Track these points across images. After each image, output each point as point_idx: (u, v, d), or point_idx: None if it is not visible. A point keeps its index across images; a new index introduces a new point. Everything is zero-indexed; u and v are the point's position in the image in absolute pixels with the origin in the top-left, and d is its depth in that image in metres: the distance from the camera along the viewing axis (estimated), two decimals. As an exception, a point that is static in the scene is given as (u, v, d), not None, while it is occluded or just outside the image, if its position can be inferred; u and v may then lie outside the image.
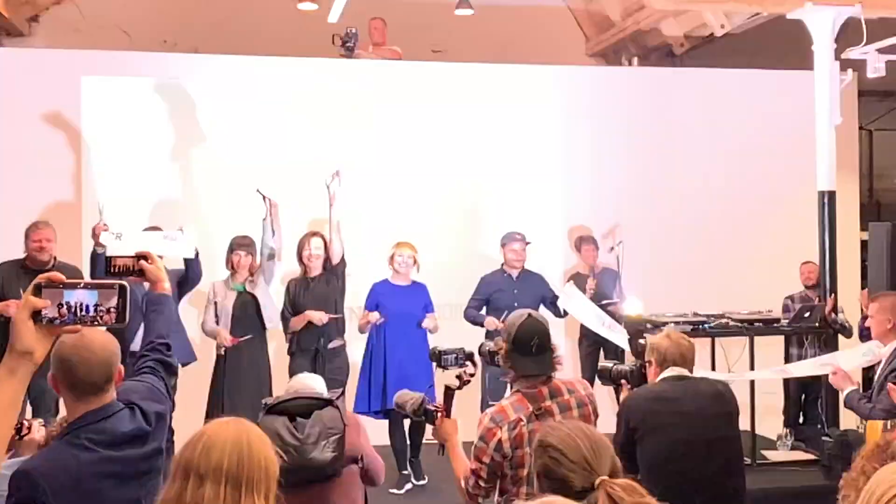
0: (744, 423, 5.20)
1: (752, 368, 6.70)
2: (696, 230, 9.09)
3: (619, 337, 6.57)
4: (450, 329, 7.05)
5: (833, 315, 7.11)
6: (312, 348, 6.55)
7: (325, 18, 8.81)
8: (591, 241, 8.03)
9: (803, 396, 8.08)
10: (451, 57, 9.62)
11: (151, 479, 2.63)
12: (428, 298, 6.89)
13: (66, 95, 8.12)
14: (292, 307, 6.66)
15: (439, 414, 3.60)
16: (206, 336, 6.78)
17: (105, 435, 2.53)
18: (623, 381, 4.43)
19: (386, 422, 6.76)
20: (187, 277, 6.42)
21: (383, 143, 8.63)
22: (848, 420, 6.82)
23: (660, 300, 7.30)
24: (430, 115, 8.75)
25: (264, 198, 6.72)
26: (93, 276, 6.07)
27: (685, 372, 4.18)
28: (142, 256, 3.08)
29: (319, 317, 6.53)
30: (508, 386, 3.67)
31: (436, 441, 3.73)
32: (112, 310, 1.91)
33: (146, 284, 2.96)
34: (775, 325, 7.08)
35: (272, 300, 6.73)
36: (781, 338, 7.66)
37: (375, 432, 6.48)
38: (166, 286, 3.04)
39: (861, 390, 5.49)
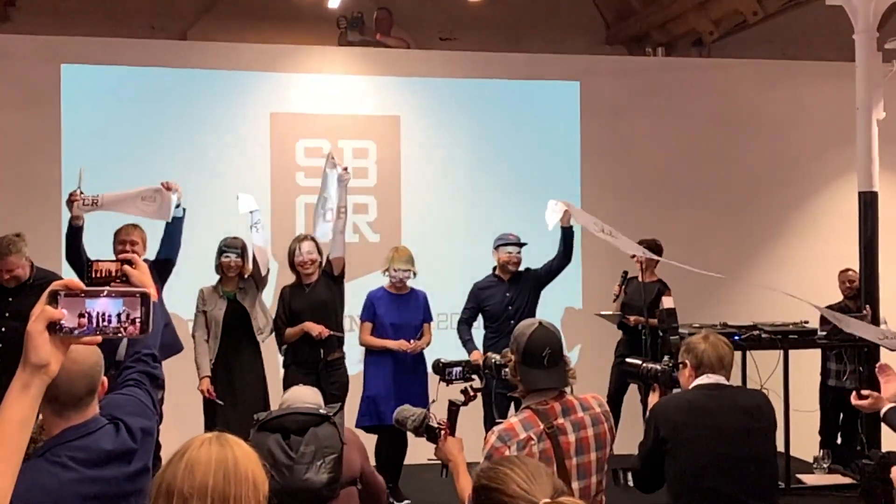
0: (778, 444, 5.16)
1: (785, 384, 6.69)
2: (725, 235, 9.09)
3: (624, 244, 6.55)
4: (454, 338, 7.10)
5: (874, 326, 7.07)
6: (311, 361, 6.51)
7: (324, 4, 8.85)
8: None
9: (842, 415, 8.05)
10: (460, 45, 9.65)
11: (138, 500, 2.63)
12: (427, 307, 6.85)
13: (45, 84, 8.17)
14: (288, 315, 6.60)
15: (443, 432, 3.55)
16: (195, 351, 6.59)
17: (87, 453, 2.52)
18: (652, 381, 4.38)
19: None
20: (165, 259, 6.15)
21: (384, 145, 8.67)
22: (890, 440, 6.79)
23: (688, 310, 7.29)
24: (438, 112, 8.79)
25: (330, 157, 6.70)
26: (68, 253, 5.99)
27: (722, 379, 4.14)
28: (126, 261, 3.09)
29: (320, 331, 6.43)
30: (512, 403, 3.63)
31: (438, 461, 3.64)
32: (137, 320, 1.90)
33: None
34: (811, 337, 7.05)
35: (264, 309, 6.68)
36: (818, 352, 7.66)
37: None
38: (152, 293, 3.05)
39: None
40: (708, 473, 4.01)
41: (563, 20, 10.19)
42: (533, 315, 5.83)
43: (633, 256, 7.56)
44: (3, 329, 5.81)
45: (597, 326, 8.12)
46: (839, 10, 7.32)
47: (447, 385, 3.81)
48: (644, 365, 4.39)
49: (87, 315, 1.82)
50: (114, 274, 3.08)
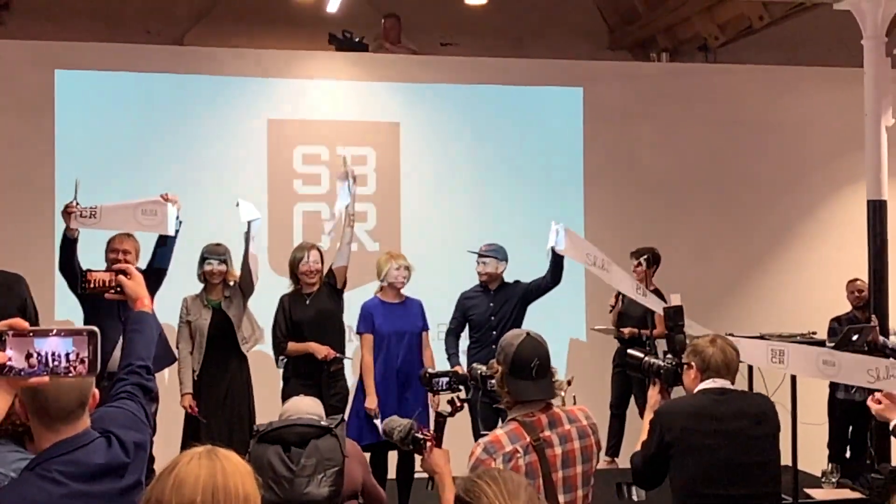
0: (785, 458, 5.16)
1: (793, 396, 6.66)
2: (731, 242, 9.08)
3: (616, 278, 6.60)
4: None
5: (883, 338, 7.04)
6: (313, 374, 6.39)
7: (322, 9, 8.86)
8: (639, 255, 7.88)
9: (850, 428, 8.02)
10: (461, 51, 9.65)
11: (130, 516, 2.61)
12: (423, 316, 6.82)
13: (39, 89, 8.17)
14: (289, 326, 6.51)
15: (429, 443, 3.50)
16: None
17: (78, 467, 2.49)
18: (653, 376, 4.40)
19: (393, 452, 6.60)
20: (157, 269, 6.05)
21: (383, 152, 8.68)
22: (900, 454, 6.78)
23: (694, 320, 7.26)
24: (438, 119, 8.80)
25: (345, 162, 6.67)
26: (61, 264, 5.91)
27: (727, 384, 4.17)
28: (120, 271, 3.08)
29: (326, 353, 6.35)
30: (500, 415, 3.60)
31: (424, 474, 3.59)
32: (86, 359, 1.86)
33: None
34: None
35: (251, 318, 6.58)
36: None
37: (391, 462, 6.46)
38: (147, 303, 3.04)
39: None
40: (714, 479, 4.05)
41: (565, 25, 10.20)
42: (518, 327, 5.80)
43: (637, 266, 7.55)
44: None
45: (597, 336, 8.12)
46: (847, 15, 7.32)
47: (434, 396, 3.79)
48: (646, 359, 4.43)
49: (35, 355, 1.78)
50: (108, 284, 3.07)
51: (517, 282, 7.02)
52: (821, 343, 7.06)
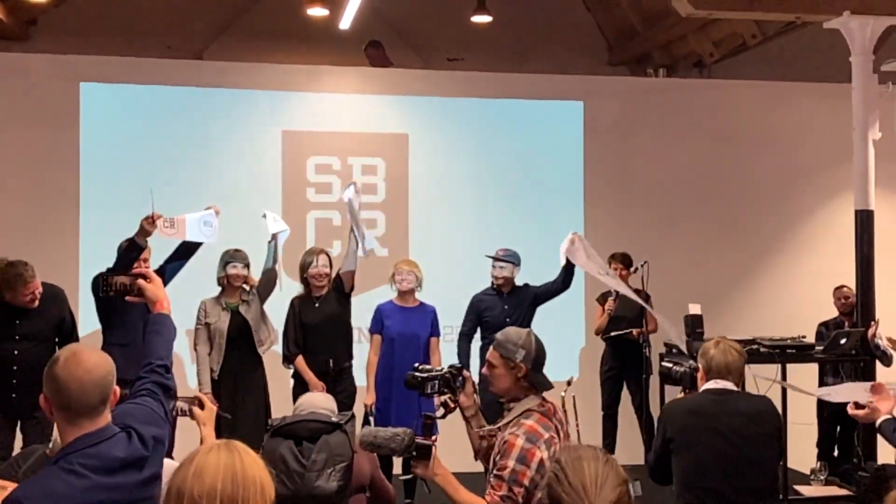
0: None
1: (784, 399, 6.66)
2: (724, 251, 9.08)
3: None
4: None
5: (875, 340, 7.02)
6: (321, 373, 6.42)
7: (335, 25, 8.89)
8: (618, 260, 7.93)
9: (839, 427, 8.00)
10: (467, 66, 9.68)
11: (148, 508, 2.63)
12: (435, 322, 6.81)
13: (65, 101, 8.21)
14: (300, 328, 6.51)
15: (433, 447, 3.36)
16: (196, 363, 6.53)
17: (99, 460, 2.51)
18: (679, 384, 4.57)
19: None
20: (163, 272, 5.95)
21: (392, 162, 8.70)
22: (887, 453, 6.76)
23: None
24: (445, 130, 8.81)
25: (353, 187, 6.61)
26: (112, 269, 5.55)
27: (729, 385, 4.23)
28: (140, 275, 3.10)
29: (321, 390, 6.10)
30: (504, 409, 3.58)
31: (412, 477, 3.45)
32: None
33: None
34: (809, 351, 7.03)
35: (268, 321, 6.59)
36: (815, 366, 7.63)
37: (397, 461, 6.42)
38: (165, 305, 3.06)
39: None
40: (708, 473, 4.14)
41: (566, 42, 10.23)
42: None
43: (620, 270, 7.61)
44: (17, 351, 5.81)
45: (594, 339, 8.11)
46: (836, 33, 7.32)
47: (428, 398, 3.70)
48: (674, 367, 4.64)
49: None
50: (129, 287, 3.10)
51: (526, 285, 7.05)
52: (809, 346, 7.06)
